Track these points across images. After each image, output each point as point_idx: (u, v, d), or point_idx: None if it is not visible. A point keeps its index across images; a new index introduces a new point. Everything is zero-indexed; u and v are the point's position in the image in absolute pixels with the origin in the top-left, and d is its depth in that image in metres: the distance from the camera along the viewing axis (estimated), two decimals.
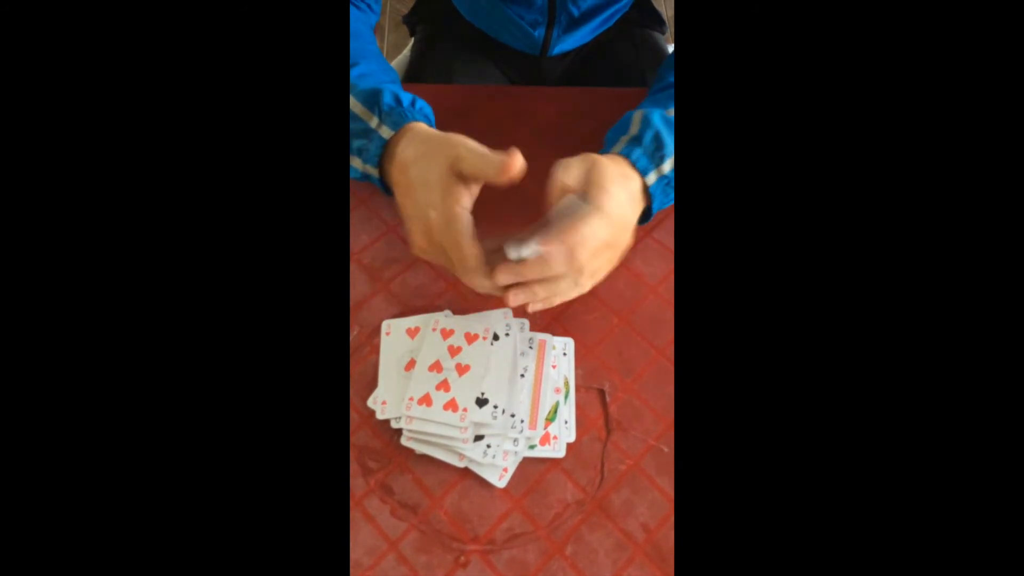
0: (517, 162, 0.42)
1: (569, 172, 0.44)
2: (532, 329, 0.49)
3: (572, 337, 0.50)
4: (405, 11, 0.88)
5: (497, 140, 0.59)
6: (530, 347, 0.48)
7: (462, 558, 0.43)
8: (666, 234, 0.55)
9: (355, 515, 0.44)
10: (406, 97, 0.49)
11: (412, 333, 0.49)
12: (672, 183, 0.49)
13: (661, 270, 0.54)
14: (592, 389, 0.49)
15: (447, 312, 0.49)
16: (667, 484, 0.45)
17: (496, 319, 0.49)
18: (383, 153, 0.47)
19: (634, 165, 0.47)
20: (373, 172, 0.48)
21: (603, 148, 0.51)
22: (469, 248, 0.43)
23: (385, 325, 0.49)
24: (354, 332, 0.50)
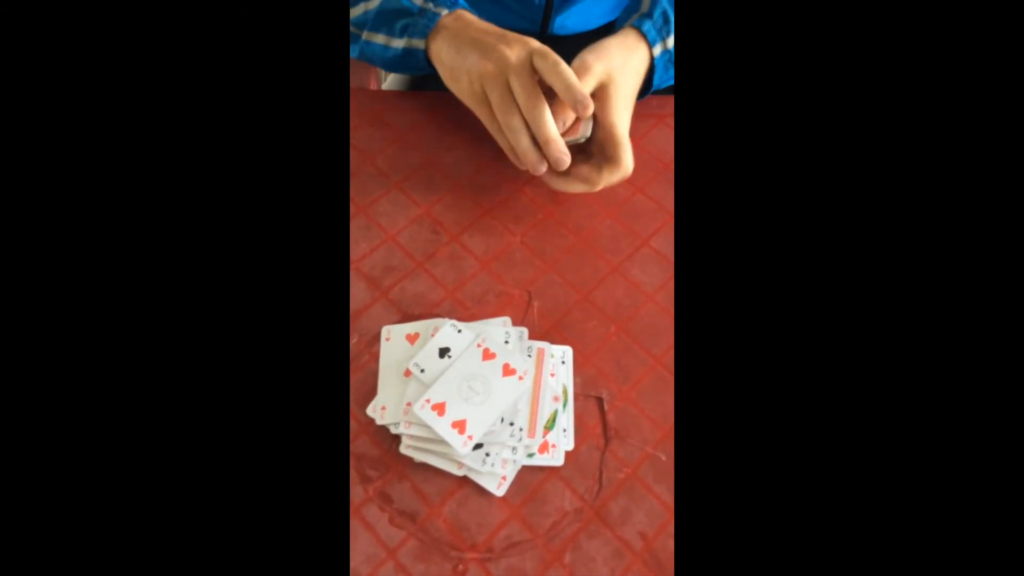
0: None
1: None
2: (531, 337, 0.49)
3: (570, 345, 0.50)
4: None
5: (494, 147, 0.60)
6: (528, 355, 0.48)
7: (460, 566, 0.43)
8: (663, 243, 0.56)
9: (353, 523, 0.44)
10: None
11: (412, 339, 0.49)
12: (673, 60, 0.56)
13: (658, 279, 0.54)
14: (590, 397, 0.49)
15: (452, 322, 0.49)
16: (664, 492, 0.45)
17: (495, 328, 0.49)
18: (434, 29, 0.53)
19: (644, 36, 0.54)
20: (419, 44, 0.54)
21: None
22: (539, 93, 0.48)
23: (385, 331, 0.50)
24: (353, 340, 0.50)
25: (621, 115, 0.51)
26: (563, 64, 0.48)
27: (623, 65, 0.52)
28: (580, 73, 0.50)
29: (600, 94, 0.51)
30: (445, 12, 0.54)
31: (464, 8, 0.55)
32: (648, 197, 0.58)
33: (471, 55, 0.51)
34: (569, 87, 0.47)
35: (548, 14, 0.73)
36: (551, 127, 0.48)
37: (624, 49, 0.53)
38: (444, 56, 0.53)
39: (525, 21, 0.74)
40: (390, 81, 0.89)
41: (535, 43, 0.50)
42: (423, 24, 0.54)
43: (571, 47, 0.78)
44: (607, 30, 0.77)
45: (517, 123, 0.49)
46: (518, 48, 0.49)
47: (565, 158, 0.49)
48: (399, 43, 0.55)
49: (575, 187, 0.53)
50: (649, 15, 0.55)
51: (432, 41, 0.54)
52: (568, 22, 0.74)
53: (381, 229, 0.56)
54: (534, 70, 0.48)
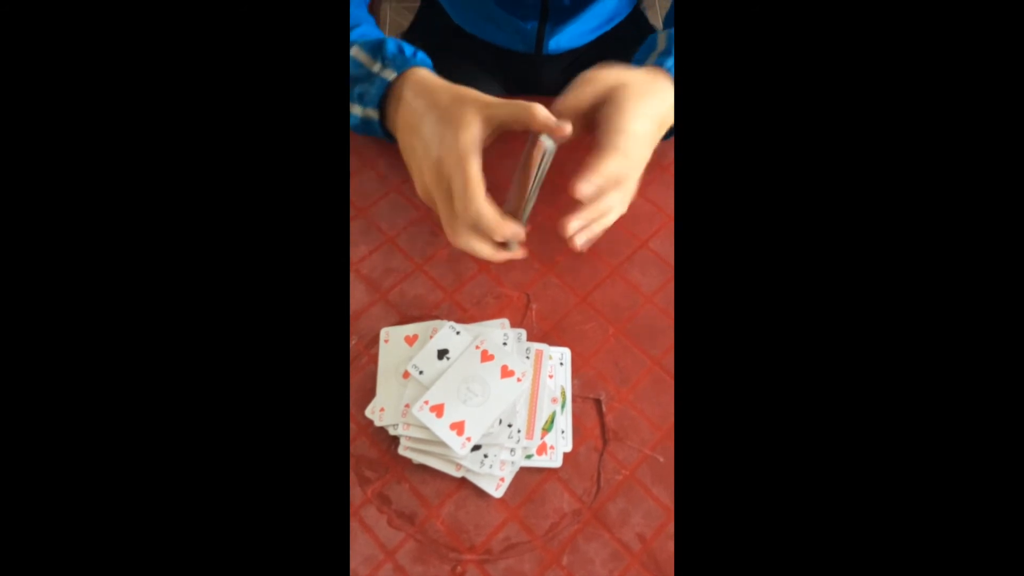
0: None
1: (583, 95, 0.46)
2: (529, 339, 0.49)
3: (569, 347, 0.50)
4: (406, 24, 0.89)
5: (496, 149, 0.60)
6: (527, 357, 0.48)
7: (459, 568, 0.43)
8: (661, 244, 0.56)
9: (352, 525, 0.44)
10: (409, 48, 0.50)
11: (410, 340, 0.49)
12: None
13: (657, 280, 0.54)
14: (589, 399, 0.49)
15: (451, 323, 0.49)
16: (663, 494, 0.45)
17: (494, 330, 0.49)
18: (386, 96, 0.49)
19: (668, 73, 0.49)
20: (373, 115, 0.49)
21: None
22: (476, 182, 0.43)
23: (384, 333, 0.50)
24: (352, 342, 0.50)
25: (630, 117, 0.46)
26: (519, 104, 0.44)
27: (640, 82, 0.47)
28: (583, 83, 0.46)
29: (608, 97, 0.46)
30: (393, 76, 0.48)
31: (419, 65, 0.49)
32: (646, 199, 0.58)
33: (418, 147, 0.46)
34: (533, 114, 0.43)
35: (541, 37, 0.74)
36: (491, 218, 0.43)
37: (645, 74, 0.48)
38: (400, 138, 0.48)
39: (519, 43, 0.75)
40: None
41: (488, 105, 0.45)
42: (373, 93, 0.49)
43: (564, 64, 0.80)
44: (599, 44, 0.78)
45: (465, 234, 0.45)
46: (464, 131, 0.43)
47: (518, 234, 0.45)
48: (357, 110, 0.51)
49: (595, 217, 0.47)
50: (668, 52, 0.51)
51: (388, 110, 0.49)
52: (562, 42, 0.75)
53: (380, 231, 0.56)
54: (483, 142, 0.44)
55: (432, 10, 0.81)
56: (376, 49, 0.50)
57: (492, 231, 0.44)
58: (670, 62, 0.50)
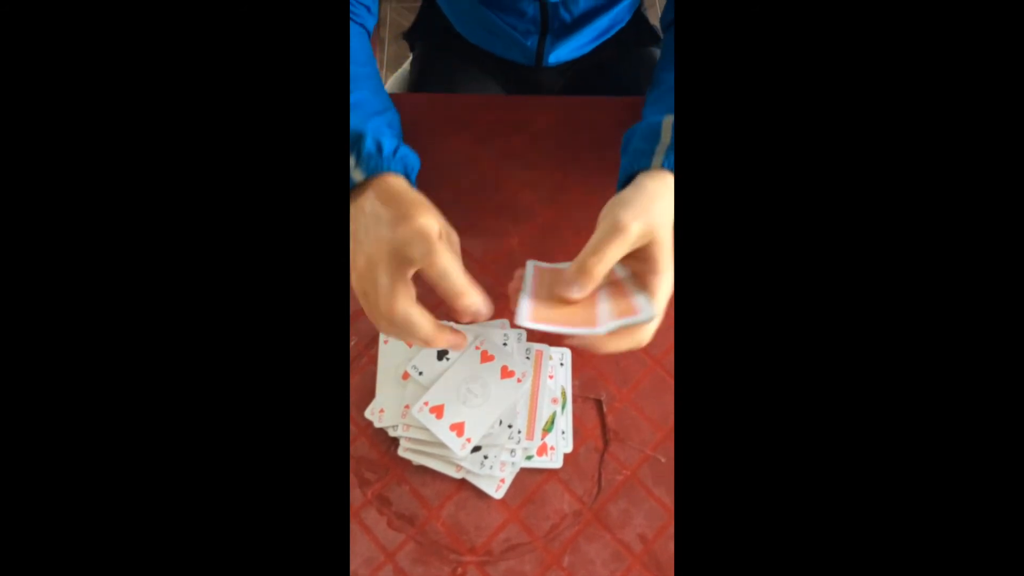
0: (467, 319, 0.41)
1: (615, 251, 0.40)
2: (529, 339, 0.49)
3: (569, 348, 0.50)
4: (407, 24, 0.89)
5: (494, 149, 0.60)
6: (527, 357, 0.48)
7: (459, 569, 0.43)
8: None
9: (352, 526, 0.44)
10: (389, 144, 0.45)
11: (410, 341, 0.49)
12: None
13: None
14: (589, 399, 0.49)
15: (451, 324, 0.49)
16: (664, 494, 0.45)
17: (494, 330, 0.49)
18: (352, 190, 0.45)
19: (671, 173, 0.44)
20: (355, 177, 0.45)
21: (626, 155, 0.48)
22: (421, 319, 0.42)
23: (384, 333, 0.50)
24: (352, 342, 0.50)
25: (667, 279, 0.41)
26: (441, 260, 0.41)
27: (668, 221, 0.41)
28: (612, 235, 0.40)
29: (642, 255, 0.41)
30: (361, 179, 0.43)
31: (393, 170, 0.44)
32: None
33: (363, 239, 0.42)
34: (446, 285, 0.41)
35: (540, 53, 0.75)
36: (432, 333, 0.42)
37: (664, 200, 0.42)
38: (356, 228, 0.43)
39: (519, 56, 0.76)
40: (390, 84, 0.89)
41: (419, 240, 0.40)
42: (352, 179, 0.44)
43: (562, 71, 0.80)
44: (596, 53, 0.78)
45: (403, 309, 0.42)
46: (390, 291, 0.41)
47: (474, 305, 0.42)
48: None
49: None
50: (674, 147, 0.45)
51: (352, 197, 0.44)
52: (561, 55, 0.76)
53: None
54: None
55: (432, 11, 0.81)
56: (354, 142, 0.45)
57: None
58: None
